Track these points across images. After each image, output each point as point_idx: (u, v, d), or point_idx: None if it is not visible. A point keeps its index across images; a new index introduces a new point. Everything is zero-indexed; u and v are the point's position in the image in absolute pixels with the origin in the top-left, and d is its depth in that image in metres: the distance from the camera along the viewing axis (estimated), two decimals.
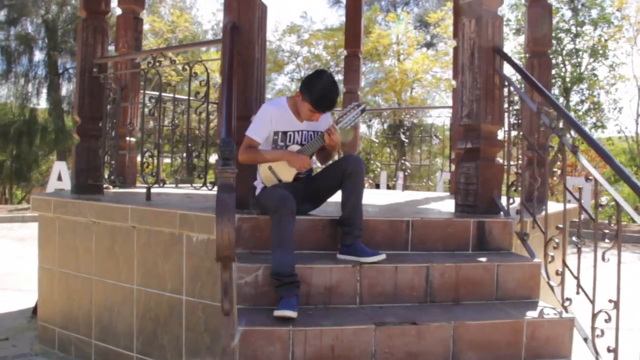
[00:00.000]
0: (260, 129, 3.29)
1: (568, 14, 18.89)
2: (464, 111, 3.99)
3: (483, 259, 3.38)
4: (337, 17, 28.53)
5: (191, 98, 4.07)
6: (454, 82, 7.15)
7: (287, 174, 3.38)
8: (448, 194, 7.40)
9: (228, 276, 2.07)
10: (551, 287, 3.34)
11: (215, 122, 7.23)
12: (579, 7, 18.72)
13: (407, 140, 8.72)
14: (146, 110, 4.31)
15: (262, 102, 3.68)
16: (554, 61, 19.18)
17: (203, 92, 3.96)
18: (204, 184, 3.94)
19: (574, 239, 3.13)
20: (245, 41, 3.58)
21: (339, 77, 23.05)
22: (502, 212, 3.89)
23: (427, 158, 9.58)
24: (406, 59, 23.06)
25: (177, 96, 4.91)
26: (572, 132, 3.25)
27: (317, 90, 3.18)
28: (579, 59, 18.88)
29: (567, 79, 18.85)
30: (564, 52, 19.11)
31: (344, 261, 3.16)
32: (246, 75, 3.56)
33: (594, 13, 18.58)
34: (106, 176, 4.68)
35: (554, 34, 18.92)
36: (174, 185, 4.87)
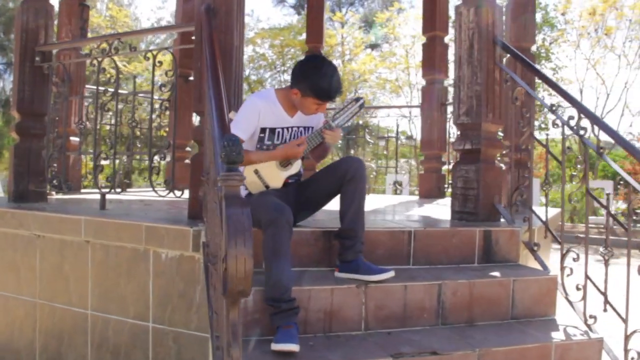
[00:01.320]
0: (245, 125, 2.82)
1: None
2: (461, 109, 3.63)
3: (496, 274, 3.01)
4: (281, 16, 28.04)
5: (155, 97, 3.51)
6: (424, 80, 6.84)
7: (276, 178, 2.92)
8: (417, 197, 7.07)
9: (237, 315, 1.60)
10: (570, 303, 3.01)
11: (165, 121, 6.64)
12: None
13: (372, 141, 8.35)
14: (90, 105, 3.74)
15: (241, 97, 3.20)
16: None
17: (158, 85, 3.44)
18: (171, 190, 3.41)
19: (601, 249, 2.80)
20: (222, 26, 3.08)
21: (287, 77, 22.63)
22: (503, 220, 3.55)
23: (372, 159, 9.23)
24: (351, 59, 22.83)
25: (128, 91, 4.35)
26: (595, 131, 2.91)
27: (319, 80, 2.74)
28: None
29: None
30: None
31: (346, 280, 2.72)
32: (224, 65, 3.06)
33: (538, 17, 18.84)
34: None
35: None
36: (120, 190, 4.30)
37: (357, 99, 2.93)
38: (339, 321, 2.64)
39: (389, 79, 22.39)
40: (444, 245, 3.19)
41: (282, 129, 2.92)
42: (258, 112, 2.85)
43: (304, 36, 21.67)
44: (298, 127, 2.97)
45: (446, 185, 6.80)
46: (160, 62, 3.33)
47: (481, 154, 3.55)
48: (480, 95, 3.53)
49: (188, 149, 6.42)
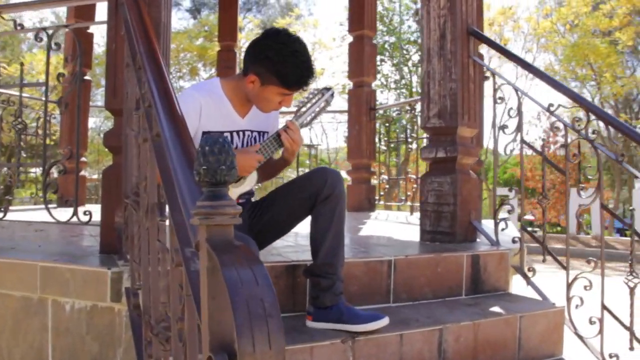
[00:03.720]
0: None
1: (414, 25, 19.27)
2: (432, 110, 3.08)
3: (498, 309, 2.47)
4: (176, 20, 26.69)
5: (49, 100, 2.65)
6: (350, 83, 6.30)
7: None
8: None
9: None
10: (582, 340, 2.53)
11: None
12: None
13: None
14: None
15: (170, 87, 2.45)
16: (400, 71, 19.51)
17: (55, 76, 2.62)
18: (74, 214, 2.58)
19: (625, 276, 2.33)
20: None
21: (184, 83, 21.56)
22: (478, 240, 3.05)
23: None
24: None
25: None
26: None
27: (287, 60, 2.04)
28: None
29: (414, 89, 19.22)
30: (410, 62, 19.48)
31: (326, 333, 2.05)
32: None
33: None
34: None
35: (400, 45, 19.27)
36: (2, 216, 3.36)
37: (325, 90, 2.27)
38: None
39: None
40: (429, 276, 2.60)
41: (232, 133, 2.21)
42: (199, 109, 2.12)
43: (200, 41, 20.86)
44: (251, 132, 2.27)
45: (377, 198, 6.29)
46: (58, 45, 2.51)
47: (457, 163, 3.01)
48: (455, 94, 2.99)
49: (84, 159, 5.47)
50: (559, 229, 17.59)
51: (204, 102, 2.12)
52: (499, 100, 2.95)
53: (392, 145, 7.59)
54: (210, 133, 2.15)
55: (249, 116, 2.25)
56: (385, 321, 2.06)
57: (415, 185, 5.86)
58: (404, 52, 19.18)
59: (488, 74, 2.99)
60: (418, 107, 6.20)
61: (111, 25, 2.32)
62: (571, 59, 13.86)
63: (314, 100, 2.24)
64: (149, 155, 1.62)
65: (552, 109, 2.65)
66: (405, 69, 19.62)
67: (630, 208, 2.70)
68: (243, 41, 22.39)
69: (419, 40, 19.19)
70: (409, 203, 5.73)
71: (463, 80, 3.02)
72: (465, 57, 3.05)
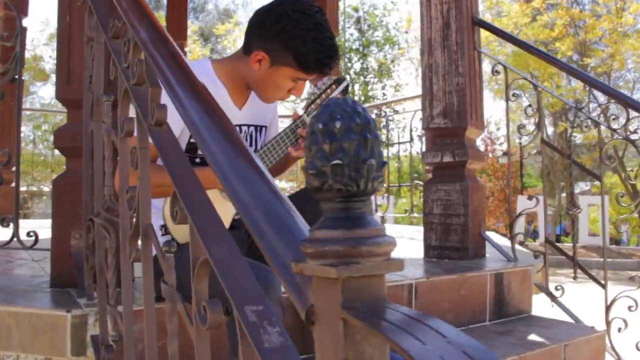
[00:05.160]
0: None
1: (356, 33, 19.18)
2: (435, 108, 2.71)
3: (537, 338, 2.11)
4: None
5: None
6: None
7: (220, 214, 1.73)
8: None
9: None
10: None
11: None
12: (365, 28, 19.10)
13: None
14: None
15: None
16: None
17: None
18: (15, 236, 2.05)
19: None
20: None
21: None
22: (488, 255, 2.71)
23: None
24: None
25: None
26: None
27: (309, 35, 1.57)
28: (367, 79, 19.25)
29: (356, 97, 19.09)
30: (352, 70, 19.36)
31: None
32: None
33: (380, 34, 19.09)
34: None
35: (341, 53, 19.11)
36: None
37: (339, 80, 1.85)
38: None
39: None
40: (451, 300, 2.22)
41: None
42: None
43: None
44: (248, 127, 1.82)
45: None
46: None
47: (466, 168, 2.66)
48: (463, 90, 2.64)
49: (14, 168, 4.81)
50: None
51: None
52: (512, 98, 2.62)
53: None
54: None
55: (246, 107, 1.80)
56: None
57: (385, 194, 5.55)
58: (346, 60, 19.03)
59: (499, 67, 2.65)
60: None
61: None
62: (514, 66, 13.97)
63: (328, 92, 1.82)
64: (138, 156, 1.16)
65: (580, 107, 2.34)
66: (347, 78, 19.49)
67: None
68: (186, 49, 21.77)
69: (361, 49, 19.12)
70: (379, 214, 5.38)
71: (470, 75, 2.67)
72: (471, 50, 2.70)
